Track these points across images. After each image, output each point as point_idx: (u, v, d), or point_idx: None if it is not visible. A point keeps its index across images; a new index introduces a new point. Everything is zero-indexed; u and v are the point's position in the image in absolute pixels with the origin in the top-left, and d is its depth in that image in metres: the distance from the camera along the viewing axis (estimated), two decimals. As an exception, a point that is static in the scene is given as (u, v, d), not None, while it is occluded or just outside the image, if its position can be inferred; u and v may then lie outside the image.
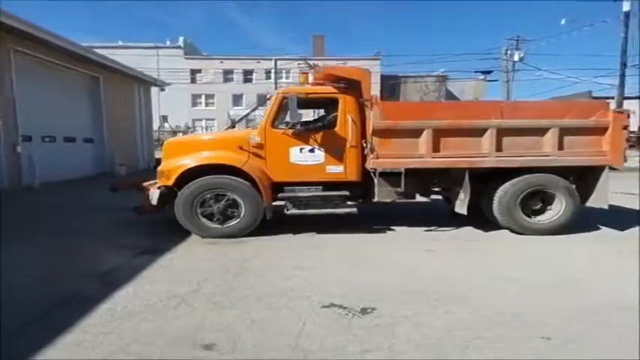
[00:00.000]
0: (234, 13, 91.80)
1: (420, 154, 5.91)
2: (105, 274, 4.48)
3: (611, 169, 6.28)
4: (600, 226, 6.74)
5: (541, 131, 6.09)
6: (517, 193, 6.13)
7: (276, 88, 50.26)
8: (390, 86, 49.97)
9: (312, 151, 5.94)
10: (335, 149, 5.95)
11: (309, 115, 7.82)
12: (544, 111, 6.25)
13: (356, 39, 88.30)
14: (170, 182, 5.73)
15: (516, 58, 37.62)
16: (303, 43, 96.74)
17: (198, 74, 51.59)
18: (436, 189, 6.71)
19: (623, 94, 24.69)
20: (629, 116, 6.19)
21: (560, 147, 6.13)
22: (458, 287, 4.08)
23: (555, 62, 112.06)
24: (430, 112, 5.97)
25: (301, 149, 5.91)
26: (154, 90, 22.60)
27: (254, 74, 51.91)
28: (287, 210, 5.98)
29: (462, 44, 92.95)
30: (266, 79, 51.63)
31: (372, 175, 6.03)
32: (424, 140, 5.87)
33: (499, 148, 6.03)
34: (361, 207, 6.37)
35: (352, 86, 6.01)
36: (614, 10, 24.57)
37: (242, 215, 5.81)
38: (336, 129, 5.98)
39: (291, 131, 5.86)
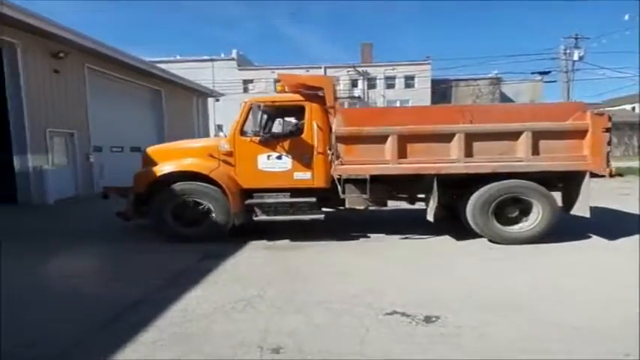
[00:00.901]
0: (284, 25, 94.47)
1: (385, 161, 5.96)
2: (174, 277, 4.73)
3: (596, 175, 5.98)
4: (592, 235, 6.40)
5: (513, 135, 5.94)
6: (489, 200, 6.01)
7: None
8: (441, 90, 48.94)
9: (279, 158, 6.18)
10: (302, 156, 6.16)
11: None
12: (516, 114, 6.10)
13: (406, 44, 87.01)
14: (141, 190, 6.20)
15: (576, 57, 35.39)
16: (352, 52, 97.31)
17: (250, 84, 53.54)
18: (404, 195, 6.69)
19: None
20: (610, 119, 5.86)
21: (536, 152, 5.94)
22: (519, 297, 3.98)
23: (619, 60, 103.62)
24: (395, 118, 6.02)
25: (269, 156, 6.17)
26: (209, 100, 24.23)
27: (303, 83, 52.87)
28: (255, 216, 6.24)
29: (518, 45, 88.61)
30: (315, 87, 52.49)
31: (341, 181, 6.16)
32: (389, 146, 5.92)
33: (469, 154, 5.95)
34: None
35: (319, 94, 6.17)
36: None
37: (213, 220, 6.14)
38: (303, 136, 6.19)
39: (258, 139, 6.11)
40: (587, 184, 5.90)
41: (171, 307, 3.78)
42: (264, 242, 6.22)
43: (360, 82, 52.07)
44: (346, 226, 6.72)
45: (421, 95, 46.69)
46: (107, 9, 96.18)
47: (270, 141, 6.18)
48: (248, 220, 6.33)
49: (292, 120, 6.92)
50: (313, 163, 6.19)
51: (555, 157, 5.94)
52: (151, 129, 16.82)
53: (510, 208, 6.13)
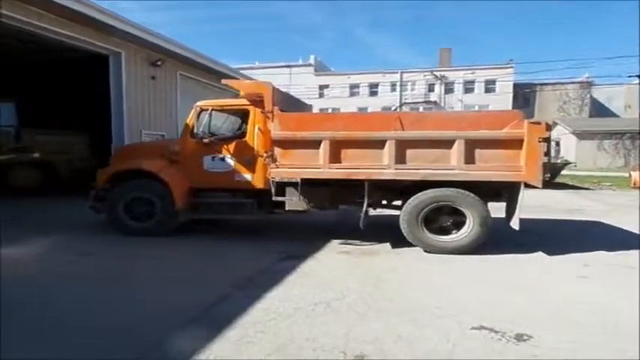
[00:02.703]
0: (362, 32, 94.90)
1: (318, 165, 6.20)
2: (254, 277, 4.85)
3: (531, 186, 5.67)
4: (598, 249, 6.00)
5: (446, 143, 5.85)
6: (419, 207, 5.98)
7: (400, 101, 50.60)
8: (524, 95, 45.91)
9: (222, 159, 6.65)
10: (244, 158, 6.58)
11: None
12: (452, 122, 5.98)
13: (487, 48, 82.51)
14: (100, 185, 6.99)
15: None
16: (429, 56, 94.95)
17: (326, 89, 54.76)
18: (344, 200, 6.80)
19: None
20: (548, 127, 5.52)
21: (470, 161, 5.80)
22: (617, 317, 3.72)
23: None
24: (328, 123, 6.22)
25: (213, 158, 6.66)
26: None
27: (379, 87, 52.97)
28: (198, 214, 6.82)
29: (613, 46, 79.01)
30: (391, 91, 52.30)
31: (282, 184, 6.49)
32: (322, 151, 6.14)
33: (401, 161, 5.97)
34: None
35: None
36: None
37: (157, 216, 6.74)
38: (246, 139, 6.61)
39: (205, 140, 6.64)
40: (522, 195, 5.62)
41: (255, 306, 3.90)
42: (341, 246, 6.41)
43: (436, 87, 50.73)
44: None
45: (502, 100, 44.17)
46: (191, 20, 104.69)
47: (215, 143, 6.65)
48: (192, 218, 6.92)
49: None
50: (253, 165, 6.56)
51: (490, 167, 5.74)
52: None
53: (444, 217, 6.02)
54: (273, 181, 6.40)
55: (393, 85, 52.30)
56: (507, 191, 6.09)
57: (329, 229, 7.66)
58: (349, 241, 6.60)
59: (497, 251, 5.92)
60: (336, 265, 5.42)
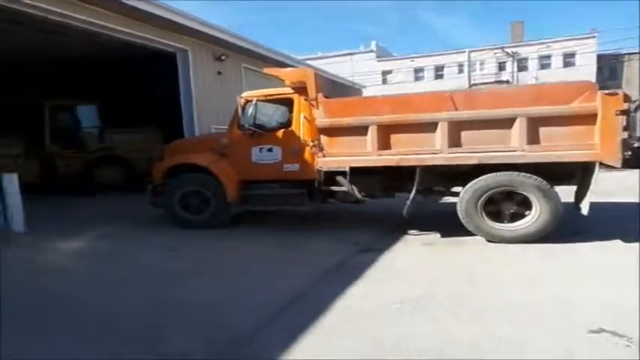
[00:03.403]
0: (428, 15, 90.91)
1: (366, 152, 5.94)
2: (332, 271, 4.67)
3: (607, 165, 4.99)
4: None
5: (505, 122, 5.32)
6: (478, 193, 5.51)
7: (470, 82, 48.05)
8: (609, 66, 41.65)
9: (270, 150, 6.58)
10: (291, 148, 6.45)
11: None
12: (511, 98, 5.41)
13: (564, 18, 75.27)
14: (157, 180, 7.18)
15: None
16: (500, 34, 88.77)
17: (389, 75, 53.43)
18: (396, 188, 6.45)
19: None
20: (627, 99, 4.79)
21: (534, 140, 5.24)
22: None
23: None
24: (375, 107, 5.91)
25: (261, 149, 6.61)
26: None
27: (445, 69, 50.80)
28: (249, 207, 6.83)
29: None
30: (458, 72, 49.84)
31: (334, 173, 6.29)
32: (370, 137, 5.86)
33: (455, 144, 5.54)
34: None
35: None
36: None
37: (210, 209, 6.85)
38: (292, 128, 6.47)
39: (252, 132, 6.60)
40: (596, 176, 4.96)
41: (336, 303, 3.72)
42: (420, 237, 6.09)
43: (508, 65, 47.49)
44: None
45: (584, 74, 40.08)
46: (247, 11, 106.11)
47: (261, 134, 6.60)
48: (244, 210, 6.95)
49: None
50: (301, 155, 6.43)
51: (557, 146, 5.14)
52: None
53: (507, 204, 5.50)
54: (320, 170, 6.23)
55: (460, 66, 49.68)
56: (579, 172, 5.42)
57: (389, 219, 7.34)
58: (424, 232, 6.26)
59: (561, 239, 5.32)
60: (419, 259, 5.13)
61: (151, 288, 4.38)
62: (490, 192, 5.43)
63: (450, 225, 6.05)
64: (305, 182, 6.54)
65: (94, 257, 5.71)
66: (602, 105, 4.85)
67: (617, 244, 5.23)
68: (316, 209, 7.10)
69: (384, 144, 5.83)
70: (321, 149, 6.15)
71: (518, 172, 5.29)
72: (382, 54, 54.79)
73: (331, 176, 6.34)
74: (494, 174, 5.39)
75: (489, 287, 3.99)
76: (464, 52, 49.63)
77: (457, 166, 5.64)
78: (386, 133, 5.81)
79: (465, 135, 5.50)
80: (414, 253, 5.32)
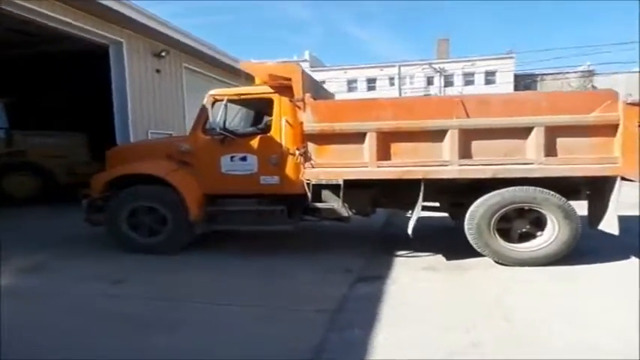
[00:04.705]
0: (352, 27, 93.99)
1: (363, 163, 5.15)
2: (335, 313, 3.77)
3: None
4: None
5: (522, 132, 4.83)
6: (490, 211, 4.94)
7: (400, 95, 49.53)
8: (525, 85, 45.16)
9: (244, 159, 5.55)
10: (270, 157, 5.49)
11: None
12: (527, 105, 4.92)
13: (485, 39, 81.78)
14: (96, 194, 5.83)
15: None
16: (424, 49, 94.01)
17: (323, 85, 53.54)
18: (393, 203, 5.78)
19: None
20: (648, 110, 4.50)
21: (551, 152, 4.77)
22: None
23: None
24: (374, 112, 5.15)
25: (232, 157, 5.56)
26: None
27: (377, 82, 52.01)
28: (217, 226, 5.73)
29: (615, 34, 78.70)
30: (390, 85, 51.29)
31: (316, 187, 5.43)
32: (368, 146, 5.09)
33: (466, 155, 4.94)
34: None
35: (290, 86, 5.46)
36: None
37: (168, 229, 5.64)
38: (271, 134, 5.52)
39: (221, 137, 5.53)
40: (617, 192, 4.60)
41: None
42: (416, 260, 5.39)
43: (435, 80, 49.72)
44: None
45: (503, 91, 43.29)
46: (179, 14, 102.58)
47: (234, 140, 5.56)
48: (210, 230, 5.83)
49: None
50: (282, 166, 5.49)
51: (576, 159, 4.73)
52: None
53: (519, 222, 5.00)
54: (309, 183, 5.33)
55: (391, 79, 51.29)
56: (591, 188, 5.08)
57: (373, 237, 6.62)
58: (417, 253, 5.59)
59: (575, 260, 4.90)
60: (431, 289, 4.37)
61: (82, 348, 3.22)
62: (506, 208, 4.90)
63: (439, 243, 5.59)
64: (285, 197, 5.59)
65: (13, 295, 4.28)
66: (625, 115, 4.53)
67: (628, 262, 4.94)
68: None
69: (384, 154, 5.09)
70: (309, 159, 5.25)
71: (540, 189, 4.82)
72: (315, 64, 54.86)
73: (317, 190, 5.48)
74: (513, 188, 4.87)
75: (536, 326, 3.37)
76: (394, 65, 51.52)
77: (462, 179, 5.06)
78: (387, 141, 5.07)
79: (476, 145, 4.93)
80: (422, 282, 4.57)
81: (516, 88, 43.54)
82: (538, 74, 43.89)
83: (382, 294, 4.21)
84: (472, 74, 47.23)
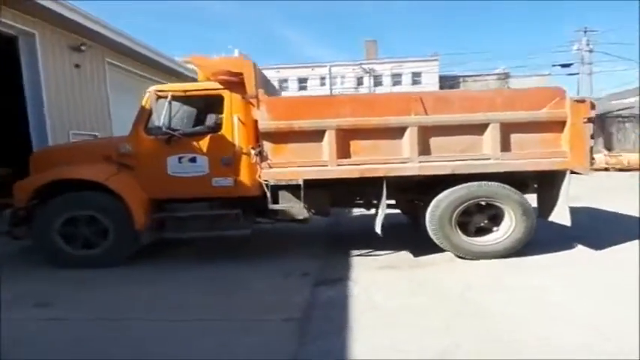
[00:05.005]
0: (280, 26, 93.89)
1: (322, 162, 4.95)
2: (303, 322, 3.51)
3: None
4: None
5: (478, 128, 4.90)
6: (452, 206, 4.96)
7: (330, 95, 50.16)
8: (449, 87, 47.62)
9: (193, 160, 5.12)
10: (222, 157, 5.10)
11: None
12: (483, 102, 4.99)
13: (410, 41, 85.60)
14: (21, 203, 5.08)
15: (583, 49, 34.62)
16: (352, 50, 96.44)
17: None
18: (351, 202, 5.68)
19: None
20: (593, 107, 4.76)
21: (506, 147, 4.88)
22: None
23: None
24: (332, 109, 4.96)
25: (180, 158, 5.10)
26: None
27: (308, 81, 52.19)
28: (166, 233, 5.22)
29: (528, 39, 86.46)
30: (320, 85, 51.64)
31: (273, 188, 5.14)
32: (327, 144, 4.90)
33: (425, 151, 4.91)
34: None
35: (242, 82, 5.10)
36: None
37: (109, 239, 5.06)
38: (223, 132, 5.14)
39: (167, 137, 5.05)
40: (567, 186, 4.82)
41: None
42: (373, 259, 5.23)
43: (365, 80, 50.91)
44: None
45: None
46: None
47: (181, 139, 5.10)
48: (158, 238, 5.32)
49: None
50: (236, 166, 5.12)
51: (529, 154, 4.88)
52: None
53: (477, 217, 5.08)
54: (267, 184, 5.03)
55: (322, 78, 51.77)
56: (540, 181, 5.28)
57: (321, 237, 6.44)
58: (370, 251, 5.50)
59: (531, 251, 5.08)
60: (396, 289, 4.22)
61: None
62: (468, 203, 4.95)
63: (389, 241, 5.51)
64: (239, 200, 5.23)
65: None
66: (572, 112, 4.74)
67: (576, 254, 5.20)
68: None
69: (344, 152, 4.93)
70: (265, 158, 4.95)
71: (501, 184, 4.93)
72: (246, 62, 53.95)
73: (274, 191, 5.19)
74: (477, 183, 4.92)
75: (512, 325, 3.30)
76: (325, 66, 52.04)
77: (421, 176, 5.04)
78: (346, 138, 4.92)
79: (434, 142, 4.93)
80: (383, 282, 4.42)
81: (441, 89, 45.84)
82: (460, 76, 46.52)
83: (347, 298, 4.01)
84: (400, 75, 48.99)
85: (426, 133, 4.88)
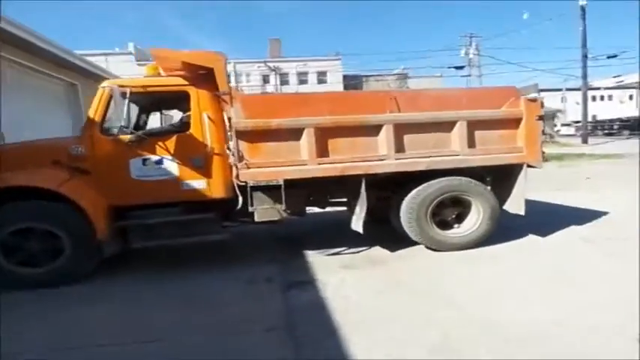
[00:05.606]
0: (172, 21, 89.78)
1: (301, 161, 4.81)
2: (281, 327, 3.36)
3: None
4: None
5: (447, 125, 5.14)
6: (426, 201, 5.15)
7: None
8: (353, 86, 49.42)
9: (160, 162, 4.65)
10: (192, 159, 4.71)
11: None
12: (447, 100, 5.27)
13: (314, 40, 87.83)
14: None
15: (470, 54, 38.44)
16: (253, 49, 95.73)
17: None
18: (332, 200, 5.65)
19: (587, 84, 25.02)
20: (542, 105, 5.31)
21: (471, 144, 5.20)
22: None
23: (521, 55, 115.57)
24: (309, 107, 4.86)
25: (145, 160, 4.61)
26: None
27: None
28: (132, 243, 4.69)
29: (424, 42, 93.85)
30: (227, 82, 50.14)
31: (245, 189, 4.86)
32: (306, 142, 4.78)
33: (400, 149, 5.03)
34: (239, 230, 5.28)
35: (212, 77, 4.76)
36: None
37: (67, 254, 4.41)
38: (191, 132, 4.74)
39: (129, 137, 4.53)
40: (524, 178, 5.30)
41: None
42: (328, 259, 5.18)
43: (271, 78, 50.71)
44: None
45: (333, 90, 46.58)
46: None
47: (144, 140, 4.61)
48: (123, 249, 4.77)
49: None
50: (207, 167, 4.76)
51: (491, 150, 5.26)
52: (69, 132, 13.21)
53: (447, 210, 5.35)
54: (244, 185, 4.75)
55: (227, 76, 50.33)
56: (494, 174, 5.68)
57: (268, 239, 6.24)
58: (322, 250, 5.48)
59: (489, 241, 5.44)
60: (365, 287, 4.21)
61: None
62: (442, 197, 5.17)
63: (336, 239, 5.70)
64: (211, 203, 4.88)
65: None
66: (526, 110, 5.22)
67: (534, 240, 5.66)
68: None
69: (323, 150, 4.87)
70: (242, 159, 4.68)
71: (469, 179, 5.21)
72: (142, 57, 50.24)
73: (250, 192, 4.94)
74: (441, 179, 5.16)
75: (487, 312, 3.49)
76: (230, 62, 50.77)
77: (399, 172, 5.16)
78: (325, 137, 4.85)
79: (407, 139, 5.08)
80: (352, 282, 4.37)
81: (346, 88, 47.46)
82: (363, 75, 48.60)
83: (323, 300, 3.91)
84: (306, 74, 49.67)
85: (401, 130, 5.01)
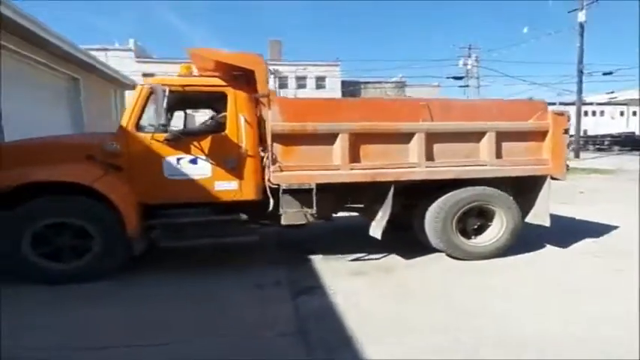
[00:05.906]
0: (169, 16, 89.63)
1: (334, 166, 4.85)
2: (294, 333, 3.37)
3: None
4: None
5: (477, 136, 5.22)
6: (453, 210, 5.20)
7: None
8: (351, 92, 49.64)
9: (194, 162, 4.65)
10: (226, 160, 4.72)
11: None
12: (477, 111, 5.35)
13: (314, 46, 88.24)
14: None
15: (469, 65, 38.99)
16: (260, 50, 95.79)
17: (151, 78, 49.07)
18: (356, 206, 5.66)
19: (581, 99, 25.43)
20: (569, 119, 5.41)
21: (499, 154, 5.27)
22: None
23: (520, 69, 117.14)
24: (345, 112, 4.92)
25: (179, 159, 4.61)
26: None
27: (209, 79, 50.25)
28: (161, 242, 4.66)
29: (424, 52, 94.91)
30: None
31: (277, 191, 4.87)
32: (339, 147, 4.82)
33: (430, 157, 5.09)
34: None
35: (248, 78, 4.79)
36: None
37: (96, 250, 4.39)
38: (227, 133, 4.75)
39: (164, 136, 4.51)
40: (548, 190, 5.39)
41: None
42: (337, 264, 5.17)
43: (271, 81, 50.69)
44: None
45: (332, 96, 46.73)
46: None
47: (181, 139, 4.60)
48: (153, 247, 4.76)
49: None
50: (240, 169, 4.76)
51: (517, 161, 5.34)
52: (68, 128, 12.62)
53: (470, 220, 5.41)
54: (277, 188, 4.77)
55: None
56: (516, 186, 5.73)
57: (272, 242, 6.18)
58: (330, 256, 5.48)
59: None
60: (376, 294, 4.22)
61: None
62: (467, 207, 5.23)
63: (343, 245, 5.76)
64: (242, 205, 4.89)
65: None
66: (553, 123, 5.31)
67: (553, 252, 5.73)
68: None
69: (355, 156, 4.91)
70: (275, 161, 4.70)
71: (492, 188, 5.27)
72: (142, 54, 50.05)
73: (277, 195, 4.95)
74: (467, 189, 5.22)
75: (501, 321, 3.58)
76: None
77: (428, 180, 5.20)
78: (358, 142, 4.90)
79: (438, 147, 5.15)
80: (364, 289, 4.39)
81: (344, 94, 47.65)
82: (362, 82, 48.82)
83: (335, 307, 3.91)
84: (304, 78, 49.74)
85: (432, 139, 5.07)
